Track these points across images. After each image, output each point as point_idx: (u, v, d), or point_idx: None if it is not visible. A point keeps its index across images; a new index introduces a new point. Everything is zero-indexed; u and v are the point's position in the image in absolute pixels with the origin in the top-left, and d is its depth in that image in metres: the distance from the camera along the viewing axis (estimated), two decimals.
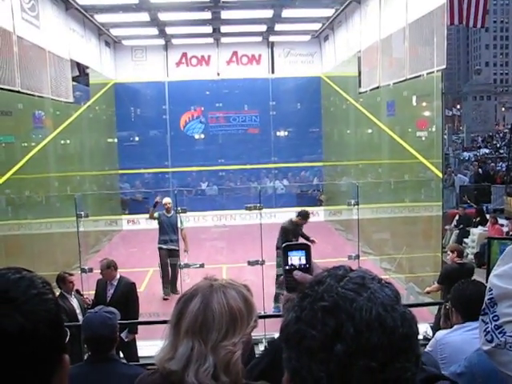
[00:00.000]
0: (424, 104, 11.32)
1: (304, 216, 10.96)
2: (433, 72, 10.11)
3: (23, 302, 1.07)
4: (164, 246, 12.12)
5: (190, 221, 16.16)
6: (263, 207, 11.13)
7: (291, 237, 10.37)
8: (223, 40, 19.16)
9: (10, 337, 1.02)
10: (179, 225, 12.00)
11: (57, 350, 1.13)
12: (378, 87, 13.25)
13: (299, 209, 11.38)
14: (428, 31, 10.28)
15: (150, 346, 7.40)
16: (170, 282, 12.16)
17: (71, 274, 8.26)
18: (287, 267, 1.69)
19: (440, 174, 10.25)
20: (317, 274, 1.37)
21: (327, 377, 1.01)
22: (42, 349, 1.07)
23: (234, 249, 14.01)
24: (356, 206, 11.22)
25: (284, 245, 1.73)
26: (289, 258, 1.69)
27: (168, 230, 12.10)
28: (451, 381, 1.41)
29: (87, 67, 16.00)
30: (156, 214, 12.21)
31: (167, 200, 12.35)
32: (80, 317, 7.54)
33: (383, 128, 13.09)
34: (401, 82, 11.78)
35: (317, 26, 17.91)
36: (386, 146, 13.26)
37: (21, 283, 1.10)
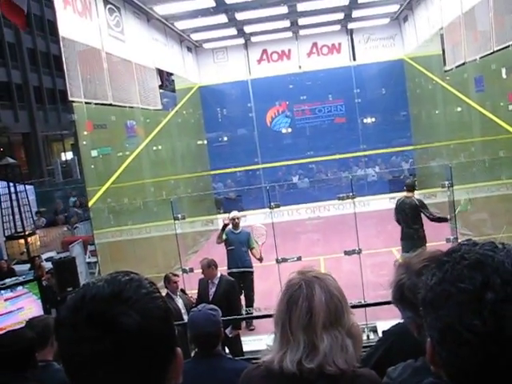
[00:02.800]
0: None
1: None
2: None
3: (135, 301, 1.16)
4: (235, 270, 10.29)
5: (283, 215, 16.30)
6: (356, 196, 11.07)
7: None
8: (302, 32, 19.18)
9: (129, 333, 1.12)
10: (251, 244, 10.56)
11: (169, 344, 1.23)
12: (464, 63, 12.81)
13: (393, 195, 11.16)
14: None
15: (253, 341, 7.58)
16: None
17: (175, 275, 8.55)
18: None
19: None
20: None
21: (481, 324, 1.05)
22: (156, 343, 1.16)
23: (329, 240, 13.99)
24: (450, 188, 10.97)
25: None
26: None
27: (237, 249, 10.52)
28: None
29: (172, 74, 16.41)
30: (224, 235, 10.54)
31: (234, 214, 10.75)
32: (185, 316, 7.75)
33: (473, 105, 12.67)
34: (488, 55, 11.37)
35: (395, 8, 17.50)
36: (477, 124, 12.82)
37: (131, 284, 1.19)
